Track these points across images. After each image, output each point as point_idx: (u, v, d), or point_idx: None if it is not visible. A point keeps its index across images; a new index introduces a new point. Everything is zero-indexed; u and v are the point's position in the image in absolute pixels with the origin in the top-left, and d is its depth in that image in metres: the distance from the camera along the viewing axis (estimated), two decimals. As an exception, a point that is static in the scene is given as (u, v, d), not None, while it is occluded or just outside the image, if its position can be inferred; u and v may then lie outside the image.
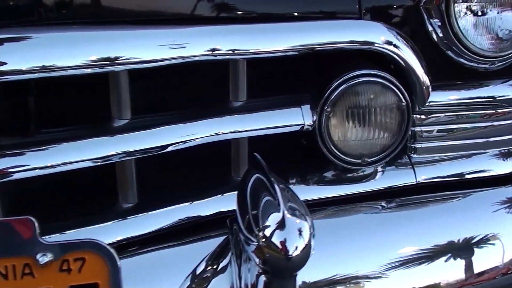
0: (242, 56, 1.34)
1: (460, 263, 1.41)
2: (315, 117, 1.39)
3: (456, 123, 1.56)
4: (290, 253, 1.02)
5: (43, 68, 1.14)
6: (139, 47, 1.24)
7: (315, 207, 1.46)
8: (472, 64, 1.51)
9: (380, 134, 1.42)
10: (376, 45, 1.41)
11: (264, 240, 1.03)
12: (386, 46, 1.41)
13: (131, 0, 1.27)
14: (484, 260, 1.43)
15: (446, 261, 1.40)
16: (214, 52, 1.30)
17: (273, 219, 1.04)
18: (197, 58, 1.29)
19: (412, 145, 1.55)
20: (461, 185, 1.58)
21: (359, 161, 1.44)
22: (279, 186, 1.10)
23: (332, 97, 1.37)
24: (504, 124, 1.59)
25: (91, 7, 1.25)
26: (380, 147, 1.44)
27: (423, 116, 1.53)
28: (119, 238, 1.28)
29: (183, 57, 1.27)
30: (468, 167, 1.58)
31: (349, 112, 1.39)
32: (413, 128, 1.53)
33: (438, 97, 1.52)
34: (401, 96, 1.41)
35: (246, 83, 1.40)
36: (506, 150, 1.61)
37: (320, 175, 1.52)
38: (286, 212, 1.04)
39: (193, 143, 1.33)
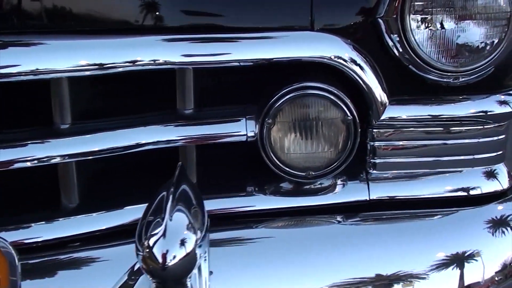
0: (184, 66, 1.37)
1: None
2: (257, 129, 1.39)
3: (418, 140, 1.50)
4: (166, 263, 1.04)
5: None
6: (79, 57, 1.30)
7: (271, 217, 1.47)
8: (434, 78, 1.45)
9: (325, 148, 1.40)
10: (326, 58, 1.39)
11: (147, 250, 1.05)
12: (336, 59, 1.39)
13: (75, 10, 1.33)
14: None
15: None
16: (156, 62, 1.34)
17: (154, 230, 1.06)
18: (141, 68, 1.33)
19: (371, 161, 1.51)
20: (426, 203, 1.54)
21: (304, 174, 1.42)
22: (173, 197, 1.12)
23: (272, 109, 1.37)
24: (470, 142, 1.52)
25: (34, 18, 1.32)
26: (326, 161, 1.42)
27: (382, 131, 1.49)
28: (57, 236, 1.35)
29: (123, 66, 1.31)
30: (429, 185, 1.52)
31: (291, 125, 1.38)
32: (372, 143, 1.50)
33: (399, 112, 1.47)
34: (347, 110, 1.38)
35: (213, 91, 1.43)
36: (469, 170, 1.54)
37: (276, 185, 1.51)
38: (168, 222, 1.06)
39: (132, 149, 1.37)
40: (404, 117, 1.47)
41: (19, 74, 1.25)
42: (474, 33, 1.38)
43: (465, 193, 1.56)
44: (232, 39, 1.39)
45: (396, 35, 1.40)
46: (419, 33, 1.39)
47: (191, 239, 1.08)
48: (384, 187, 1.52)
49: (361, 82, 1.41)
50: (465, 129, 1.52)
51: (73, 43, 1.27)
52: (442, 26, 1.38)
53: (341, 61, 1.39)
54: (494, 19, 1.38)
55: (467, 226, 1.52)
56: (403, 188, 1.53)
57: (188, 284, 1.13)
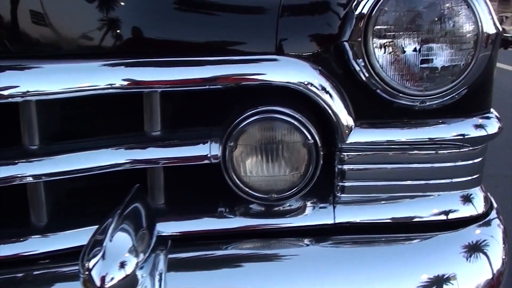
0: (148, 90, 1.40)
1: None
2: (220, 151, 1.41)
3: (387, 163, 1.50)
4: (103, 286, 1.06)
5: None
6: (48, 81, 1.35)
7: (242, 238, 1.48)
8: (401, 102, 1.44)
9: (287, 171, 1.41)
10: (291, 83, 1.40)
11: (86, 273, 1.08)
12: (301, 84, 1.40)
13: (41, 37, 1.38)
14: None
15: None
16: (123, 85, 1.37)
17: (95, 251, 1.09)
18: (101, 92, 1.37)
19: (339, 184, 1.51)
20: (398, 228, 1.53)
21: (267, 196, 1.43)
22: (119, 218, 1.15)
23: (234, 132, 1.39)
24: (443, 166, 1.51)
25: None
26: (288, 184, 1.42)
27: (349, 154, 1.48)
28: (25, 252, 1.40)
29: (82, 90, 1.36)
30: (400, 210, 1.51)
31: (253, 148, 1.39)
32: (340, 166, 1.50)
33: (366, 136, 1.46)
34: (308, 135, 1.38)
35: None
36: (444, 194, 1.52)
37: (246, 206, 1.52)
38: (107, 244, 1.09)
39: (98, 170, 1.41)
40: (371, 140, 1.46)
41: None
42: (438, 57, 1.37)
43: (439, 217, 1.55)
44: (197, 62, 1.41)
45: (361, 60, 1.40)
46: (382, 58, 1.39)
47: (131, 262, 1.11)
48: (353, 210, 1.51)
49: (326, 106, 1.41)
50: (438, 153, 1.51)
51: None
52: (405, 51, 1.37)
53: (307, 86, 1.40)
54: (459, 42, 1.37)
55: (441, 250, 1.50)
56: (374, 212, 1.52)
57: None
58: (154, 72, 1.40)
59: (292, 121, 1.38)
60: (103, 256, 1.08)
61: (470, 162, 1.54)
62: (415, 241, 1.51)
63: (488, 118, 1.55)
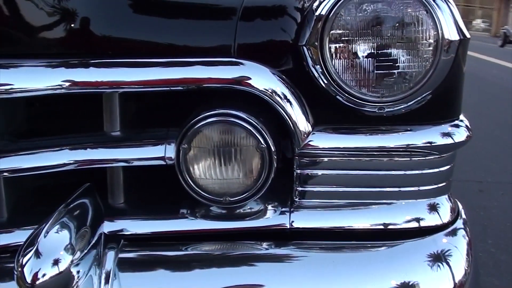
0: (107, 90, 1.41)
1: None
2: (175, 153, 1.41)
3: (347, 169, 1.48)
4: (34, 282, 1.08)
5: None
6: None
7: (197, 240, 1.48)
8: (359, 108, 1.42)
9: (240, 174, 1.40)
10: (247, 87, 1.40)
11: (19, 269, 1.10)
12: (257, 88, 1.40)
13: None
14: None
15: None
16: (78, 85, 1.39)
17: (30, 248, 1.11)
18: (63, 91, 1.39)
19: (297, 188, 1.49)
20: (359, 235, 1.51)
21: (221, 199, 1.43)
22: (59, 215, 1.17)
23: (187, 135, 1.39)
24: (404, 174, 1.48)
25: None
26: (242, 187, 1.42)
27: (308, 159, 1.47)
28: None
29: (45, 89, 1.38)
30: (361, 217, 1.49)
31: (206, 150, 1.39)
32: (298, 171, 1.48)
33: (324, 141, 1.45)
34: (260, 139, 1.38)
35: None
36: (404, 202, 1.50)
37: (207, 208, 1.52)
38: (41, 241, 1.11)
39: (57, 168, 1.43)
40: (329, 146, 1.45)
41: None
42: (394, 63, 1.35)
43: (403, 226, 1.52)
44: (156, 63, 1.42)
45: (318, 65, 1.39)
46: (338, 63, 1.37)
47: (66, 259, 1.13)
48: (311, 216, 1.49)
49: (282, 111, 1.40)
50: (402, 161, 1.48)
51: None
52: (360, 56, 1.35)
53: (264, 91, 1.39)
54: (416, 49, 1.34)
55: (405, 258, 1.48)
56: (333, 218, 1.50)
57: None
58: (115, 72, 1.41)
59: (245, 124, 1.37)
60: (35, 253, 1.10)
61: (437, 170, 1.51)
62: (379, 248, 1.48)
63: (457, 126, 1.52)
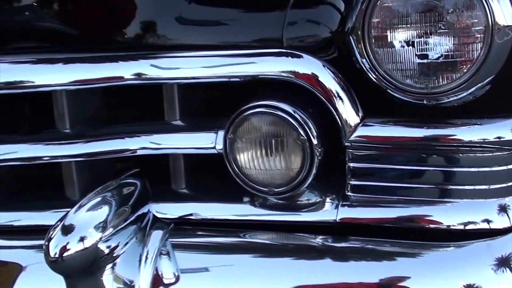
0: (171, 81, 1.50)
1: None
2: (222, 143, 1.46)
3: (401, 164, 1.41)
4: (58, 256, 1.19)
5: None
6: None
7: (256, 229, 1.51)
8: (408, 100, 1.35)
9: (282, 165, 1.41)
10: (296, 78, 1.40)
11: (46, 243, 1.22)
12: (305, 79, 1.40)
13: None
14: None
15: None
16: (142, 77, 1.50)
17: (57, 224, 1.23)
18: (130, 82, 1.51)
19: (350, 182, 1.45)
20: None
21: (266, 190, 1.44)
22: (96, 193, 1.28)
23: (233, 125, 1.42)
24: (471, 171, 1.37)
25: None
26: (285, 179, 1.42)
27: (360, 152, 1.42)
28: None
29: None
30: (407, 213, 1.41)
31: (251, 141, 1.41)
32: (352, 164, 1.44)
33: (375, 133, 1.40)
34: (300, 130, 1.36)
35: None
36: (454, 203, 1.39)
37: (265, 198, 1.55)
38: (70, 217, 1.22)
39: (119, 154, 1.55)
40: (379, 138, 1.39)
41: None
42: (437, 51, 1.25)
43: (466, 227, 1.41)
44: (216, 56, 1.47)
45: (362, 55, 1.34)
46: (381, 51, 1.31)
47: (94, 235, 1.23)
48: (367, 211, 1.44)
49: (331, 107, 1.39)
50: (466, 155, 1.38)
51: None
52: (401, 44, 1.28)
53: (311, 82, 1.39)
54: (462, 36, 1.24)
55: (469, 259, 1.39)
56: (390, 214, 1.44)
57: (104, 279, 1.28)
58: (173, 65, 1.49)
59: (284, 115, 1.37)
60: (62, 228, 1.21)
61: (504, 168, 1.38)
62: (443, 249, 1.41)
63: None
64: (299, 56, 1.41)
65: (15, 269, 1.45)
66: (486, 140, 1.36)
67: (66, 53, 1.54)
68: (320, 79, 1.39)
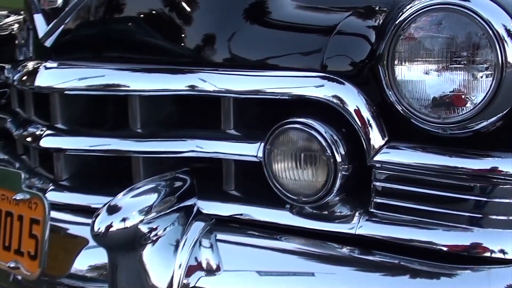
0: (222, 95, 1.72)
1: None
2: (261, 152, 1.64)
3: (417, 186, 1.51)
4: (101, 231, 1.44)
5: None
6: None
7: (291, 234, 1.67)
8: (427, 128, 1.45)
9: (309, 177, 1.56)
10: (330, 101, 1.57)
11: (93, 219, 1.48)
12: (337, 101, 1.55)
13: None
14: None
15: None
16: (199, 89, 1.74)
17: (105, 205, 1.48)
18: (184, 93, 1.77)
19: (374, 200, 1.57)
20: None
21: (296, 198, 1.60)
22: (146, 183, 1.53)
23: (271, 137, 1.60)
24: (468, 198, 1.45)
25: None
26: (314, 190, 1.57)
27: (384, 172, 1.54)
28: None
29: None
30: (424, 236, 1.50)
31: (282, 153, 1.58)
32: (377, 183, 1.56)
33: (397, 157, 1.51)
34: (326, 148, 1.51)
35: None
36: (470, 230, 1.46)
37: (301, 207, 1.70)
38: (117, 200, 1.46)
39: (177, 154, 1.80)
40: (400, 162, 1.50)
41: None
42: (450, 84, 1.35)
43: (479, 255, 1.47)
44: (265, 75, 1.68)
45: (389, 83, 1.46)
46: (403, 82, 1.43)
47: (136, 217, 1.46)
48: (388, 229, 1.54)
49: (356, 126, 1.53)
50: (476, 185, 1.45)
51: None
52: (419, 76, 1.39)
53: (343, 104, 1.55)
54: (473, 71, 1.33)
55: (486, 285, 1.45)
56: (410, 234, 1.52)
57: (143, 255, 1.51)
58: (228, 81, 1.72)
59: (315, 133, 1.52)
60: (108, 208, 1.46)
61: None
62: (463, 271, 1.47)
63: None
64: (341, 83, 1.56)
65: (81, 242, 1.73)
66: (502, 172, 1.42)
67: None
68: (356, 107, 1.53)
